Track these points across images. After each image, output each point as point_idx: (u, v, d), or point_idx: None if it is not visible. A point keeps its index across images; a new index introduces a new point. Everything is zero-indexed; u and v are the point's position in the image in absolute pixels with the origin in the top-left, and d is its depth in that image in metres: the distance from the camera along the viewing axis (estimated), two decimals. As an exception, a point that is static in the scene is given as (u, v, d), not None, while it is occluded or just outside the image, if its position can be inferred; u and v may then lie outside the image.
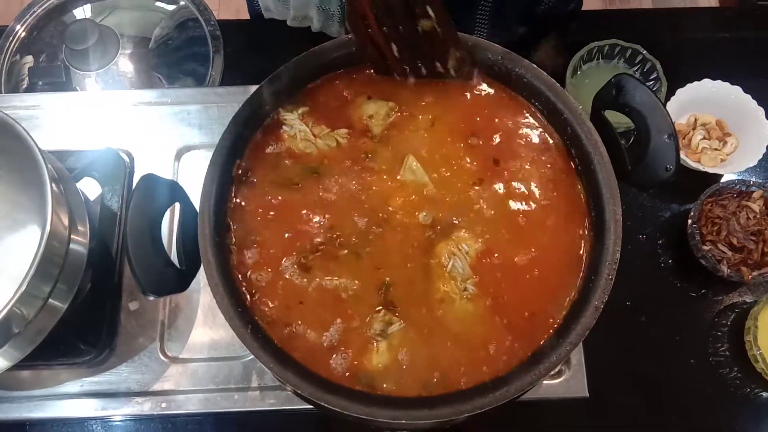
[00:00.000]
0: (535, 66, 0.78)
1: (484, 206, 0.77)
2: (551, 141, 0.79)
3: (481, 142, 0.80)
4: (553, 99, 0.77)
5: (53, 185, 0.78)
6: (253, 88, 0.79)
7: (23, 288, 0.73)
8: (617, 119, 0.78)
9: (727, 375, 1.00)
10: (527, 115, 0.81)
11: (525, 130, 0.80)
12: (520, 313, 0.72)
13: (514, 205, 0.77)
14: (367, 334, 0.72)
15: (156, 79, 1.20)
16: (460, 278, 0.73)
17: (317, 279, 0.74)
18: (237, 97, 1.02)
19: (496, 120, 0.81)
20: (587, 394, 0.87)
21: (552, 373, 0.86)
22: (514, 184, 0.78)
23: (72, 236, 0.81)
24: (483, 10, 1.05)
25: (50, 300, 0.79)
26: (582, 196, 0.76)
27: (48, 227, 0.75)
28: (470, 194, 0.77)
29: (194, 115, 1.04)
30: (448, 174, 0.78)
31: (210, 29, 1.21)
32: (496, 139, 0.80)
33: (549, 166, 0.78)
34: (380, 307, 0.73)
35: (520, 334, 0.71)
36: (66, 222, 0.80)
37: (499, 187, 0.78)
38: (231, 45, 1.21)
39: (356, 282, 0.74)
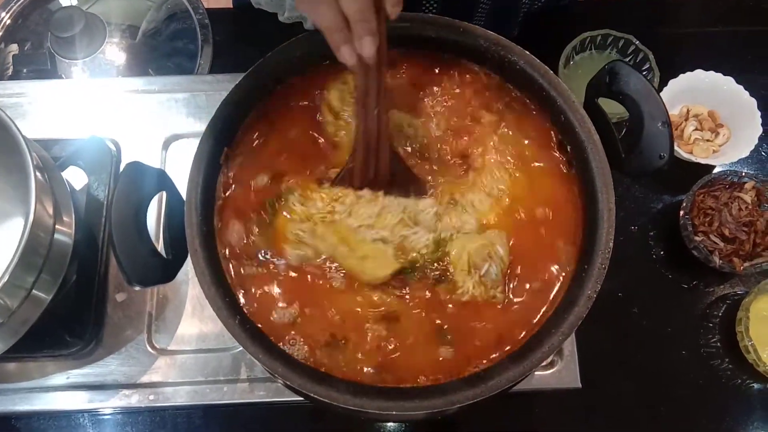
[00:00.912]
0: (528, 53, 0.77)
1: (474, 200, 0.76)
2: (543, 129, 0.78)
3: (473, 133, 0.79)
4: (546, 86, 0.76)
5: (38, 174, 0.77)
6: (242, 76, 0.77)
7: (6, 278, 0.72)
8: (610, 109, 0.77)
9: (719, 366, 0.99)
10: (519, 102, 0.80)
11: (517, 119, 0.79)
12: (513, 303, 0.72)
13: (506, 196, 0.76)
14: (360, 327, 0.71)
15: (144, 68, 1.18)
16: (491, 284, 0.72)
17: (308, 270, 0.73)
18: (225, 85, 1.01)
19: (487, 109, 0.80)
20: (579, 385, 0.87)
21: (544, 363, 0.86)
22: (506, 175, 0.77)
23: (57, 226, 0.80)
24: (482, 9, 1.05)
25: (34, 291, 0.78)
26: (575, 184, 0.75)
27: (32, 216, 0.74)
28: (460, 189, 0.77)
29: (182, 103, 1.02)
30: (437, 171, 0.78)
31: (199, 17, 1.20)
32: (487, 129, 0.79)
33: (542, 155, 0.77)
34: (374, 308, 0.72)
35: (512, 324, 0.71)
36: (50, 211, 0.79)
37: (491, 179, 0.77)
38: (220, 34, 1.20)
39: (348, 278, 0.73)
